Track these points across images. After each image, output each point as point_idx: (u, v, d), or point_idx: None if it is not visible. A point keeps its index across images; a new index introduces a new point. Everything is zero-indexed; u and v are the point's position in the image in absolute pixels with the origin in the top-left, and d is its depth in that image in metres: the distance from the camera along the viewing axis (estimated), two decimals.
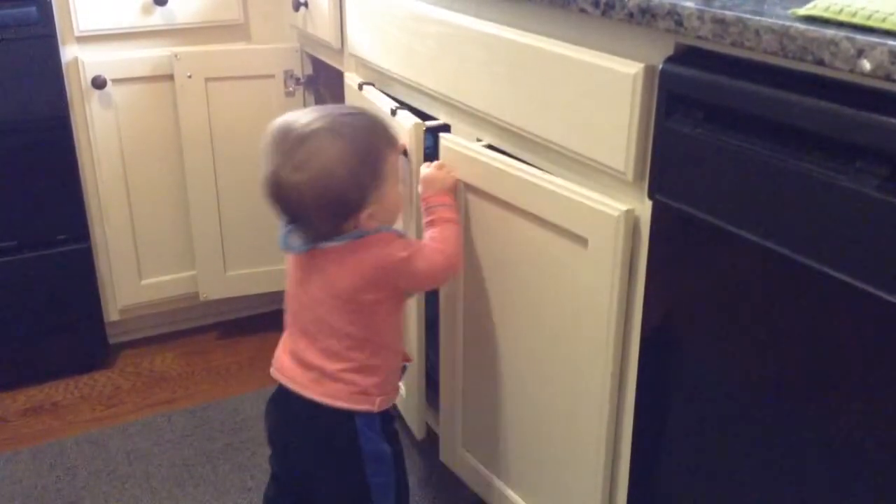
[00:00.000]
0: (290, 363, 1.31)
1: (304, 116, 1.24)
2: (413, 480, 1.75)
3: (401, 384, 1.75)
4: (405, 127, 1.46)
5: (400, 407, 1.75)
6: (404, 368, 1.42)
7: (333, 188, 1.21)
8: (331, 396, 1.27)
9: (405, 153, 1.47)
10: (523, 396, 1.37)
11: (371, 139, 1.26)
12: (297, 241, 1.26)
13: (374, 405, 1.29)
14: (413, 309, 1.56)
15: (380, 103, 1.61)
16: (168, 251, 2.20)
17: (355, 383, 1.28)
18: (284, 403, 1.33)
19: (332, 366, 1.27)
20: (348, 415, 1.28)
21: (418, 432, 1.68)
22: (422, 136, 1.45)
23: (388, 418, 1.35)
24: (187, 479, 1.79)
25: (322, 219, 1.24)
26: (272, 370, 1.34)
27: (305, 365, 1.29)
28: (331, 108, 1.28)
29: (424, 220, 1.37)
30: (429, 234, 1.34)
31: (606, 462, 1.21)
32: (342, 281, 1.25)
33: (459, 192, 1.39)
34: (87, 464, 1.83)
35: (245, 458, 1.84)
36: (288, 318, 1.34)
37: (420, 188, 1.39)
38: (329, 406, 1.27)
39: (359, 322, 1.27)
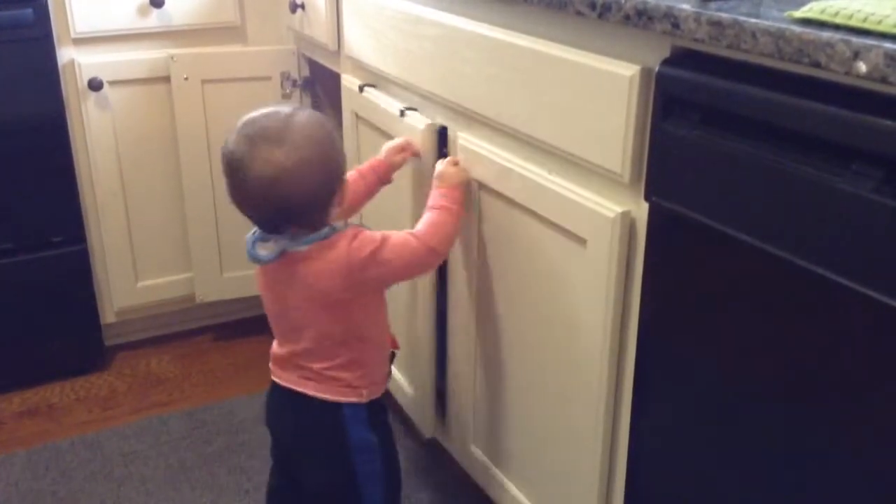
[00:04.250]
0: (280, 364, 1.34)
1: (261, 121, 1.23)
2: (419, 480, 1.75)
3: (396, 373, 1.75)
4: (417, 128, 1.46)
5: (406, 406, 1.75)
6: (393, 356, 1.42)
7: (328, 157, 1.23)
8: (319, 391, 1.30)
9: (417, 154, 1.47)
10: (527, 392, 1.38)
11: (326, 123, 1.28)
12: (265, 251, 1.26)
13: (362, 396, 1.32)
14: (424, 306, 1.57)
15: (385, 105, 1.61)
16: (164, 253, 2.19)
17: (341, 379, 1.30)
18: (279, 397, 1.36)
19: (316, 365, 1.29)
20: (336, 406, 1.30)
21: (427, 431, 1.68)
22: (434, 136, 1.45)
23: (377, 408, 1.36)
24: (183, 482, 1.78)
25: (313, 210, 1.24)
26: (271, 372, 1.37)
27: (293, 365, 1.32)
28: (273, 110, 1.26)
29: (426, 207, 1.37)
30: (420, 221, 1.34)
31: (603, 459, 1.21)
32: (316, 284, 1.25)
33: (474, 190, 1.39)
34: (83, 466, 1.83)
35: (241, 460, 1.84)
36: (271, 324, 1.36)
37: (434, 182, 1.39)
38: (317, 398, 1.30)
39: (337, 321, 1.28)
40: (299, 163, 1.20)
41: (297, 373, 1.31)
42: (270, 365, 1.37)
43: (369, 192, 1.48)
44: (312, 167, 1.21)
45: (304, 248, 1.25)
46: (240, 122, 1.24)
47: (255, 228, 1.29)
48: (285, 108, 1.26)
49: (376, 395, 1.35)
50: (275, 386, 1.35)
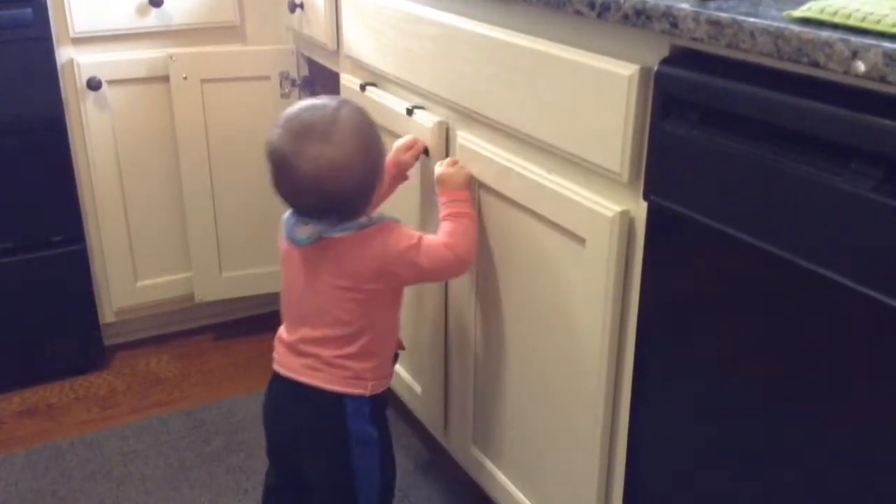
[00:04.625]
0: (286, 351, 1.34)
1: (307, 116, 1.25)
2: (420, 479, 1.75)
3: (403, 372, 1.75)
4: (426, 126, 1.47)
5: (412, 405, 1.75)
6: (396, 356, 1.43)
7: (373, 152, 1.27)
8: (324, 381, 1.30)
9: (426, 152, 1.47)
10: (526, 392, 1.38)
11: (368, 118, 1.31)
12: (303, 233, 1.28)
13: (366, 389, 1.32)
14: (432, 304, 1.57)
15: (390, 104, 1.60)
16: (163, 253, 2.19)
17: (350, 368, 1.31)
18: (279, 389, 1.36)
19: (328, 352, 1.30)
20: (339, 398, 1.31)
21: (437, 430, 1.68)
22: (444, 134, 1.45)
23: (379, 402, 1.37)
24: (182, 481, 1.78)
25: (357, 202, 1.27)
26: (273, 360, 1.38)
27: (300, 353, 1.32)
28: (318, 104, 1.28)
29: (440, 214, 1.37)
30: (441, 228, 1.36)
31: (602, 459, 1.21)
32: (348, 270, 1.28)
33: (473, 188, 1.39)
34: (83, 466, 1.83)
35: (240, 459, 1.84)
36: (285, 308, 1.37)
37: (437, 186, 1.40)
38: (321, 390, 1.30)
39: (358, 310, 1.29)
40: (346, 158, 1.23)
41: (303, 360, 1.31)
42: (275, 353, 1.37)
43: (385, 192, 1.48)
44: (357, 162, 1.24)
45: (341, 235, 1.27)
46: (284, 116, 1.26)
47: (290, 210, 1.31)
48: (330, 102, 1.27)
49: (380, 389, 1.36)
50: (276, 377, 1.36)
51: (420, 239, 1.30)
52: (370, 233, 1.28)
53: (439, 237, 1.33)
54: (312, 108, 1.26)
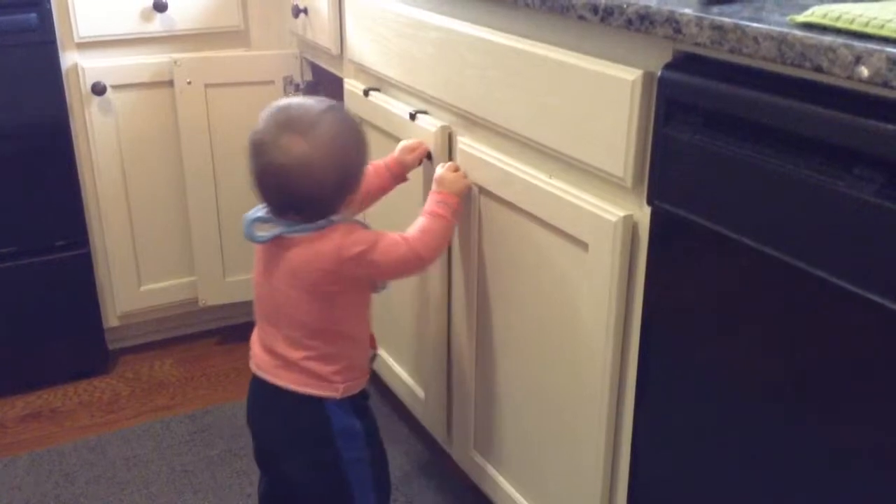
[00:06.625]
0: (260, 351, 1.35)
1: (293, 109, 1.26)
2: (422, 484, 1.75)
3: (407, 376, 1.75)
4: (429, 130, 1.47)
5: (415, 409, 1.75)
6: (373, 357, 1.43)
7: (349, 162, 1.26)
8: (297, 383, 1.30)
9: (429, 157, 1.47)
10: (528, 397, 1.38)
11: (356, 127, 1.31)
12: (261, 232, 1.28)
13: (337, 392, 1.31)
14: (435, 308, 1.57)
15: (392, 109, 1.61)
16: (167, 257, 2.20)
17: (316, 371, 1.30)
18: (258, 390, 1.36)
19: (293, 354, 1.30)
20: (318, 399, 1.30)
21: (440, 434, 1.68)
22: (447, 139, 1.46)
23: (359, 395, 1.36)
24: (186, 486, 1.78)
25: (321, 206, 1.25)
26: (250, 360, 1.37)
27: (271, 352, 1.32)
28: (309, 102, 1.29)
29: (423, 209, 1.37)
30: (416, 222, 1.35)
31: (605, 464, 1.21)
32: (303, 271, 1.26)
33: (475, 194, 1.39)
34: (86, 470, 1.83)
35: (244, 463, 1.84)
36: (255, 306, 1.37)
37: (433, 186, 1.40)
38: (296, 392, 1.30)
39: (318, 312, 1.28)
40: (317, 159, 1.22)
41: (274, 361, 1.31)
42: (251, 352, 1.37)
43: (383, 188, 1.48)
44: (329, 166, 1.23)
45: (297, 236, 1.26)
46: (274, 105, 1.27)
47: (255, 208, 1.30)
48: (322, 103, 1.27)
49: (354, 391, 1.34)
50: (255, 380, 1.36)
51: (378, 238, 1.28)
52: (325, 234, 1.25)
53: (407, 232, 1.33)
54: (302, 104, 1.27)
